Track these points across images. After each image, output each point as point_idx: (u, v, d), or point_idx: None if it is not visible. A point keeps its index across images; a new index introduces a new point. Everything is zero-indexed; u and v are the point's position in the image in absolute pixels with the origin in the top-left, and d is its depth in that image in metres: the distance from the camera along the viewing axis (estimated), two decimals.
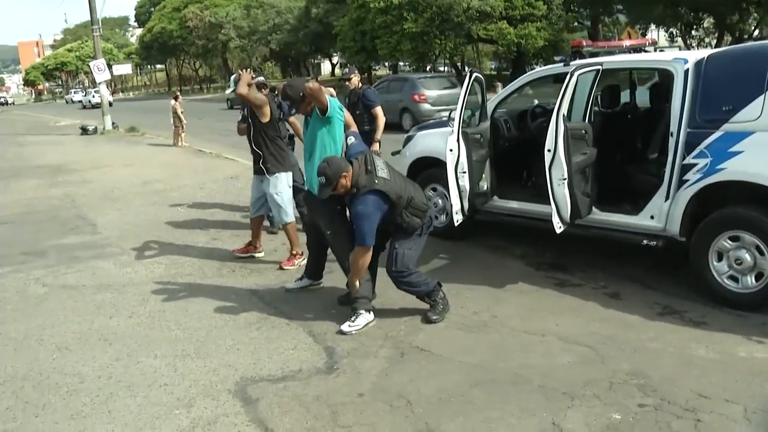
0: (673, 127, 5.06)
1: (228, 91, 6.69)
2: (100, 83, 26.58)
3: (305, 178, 5.19)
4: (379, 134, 7.42)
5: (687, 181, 4.98)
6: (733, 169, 4.72)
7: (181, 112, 18.83)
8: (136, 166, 15.19)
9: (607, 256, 5.96)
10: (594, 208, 5.61)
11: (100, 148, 20.05)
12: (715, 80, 4.91)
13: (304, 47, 48.46)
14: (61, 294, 5.97)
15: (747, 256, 4.73)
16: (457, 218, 5.82)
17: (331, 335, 4.67)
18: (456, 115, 5.64)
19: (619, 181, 5.86)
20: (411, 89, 19.54)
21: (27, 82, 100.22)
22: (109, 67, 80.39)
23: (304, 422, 3.54)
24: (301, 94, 4.76)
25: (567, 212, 5.23)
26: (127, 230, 8.44)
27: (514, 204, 6.34)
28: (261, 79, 6.83)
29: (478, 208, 6.07)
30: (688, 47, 27.13)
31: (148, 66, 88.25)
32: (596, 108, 6.19)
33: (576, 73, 4.99)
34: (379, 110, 7.38)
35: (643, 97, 6.75)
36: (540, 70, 6.34)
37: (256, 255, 6.76)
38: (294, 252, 6.39)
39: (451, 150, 5.67)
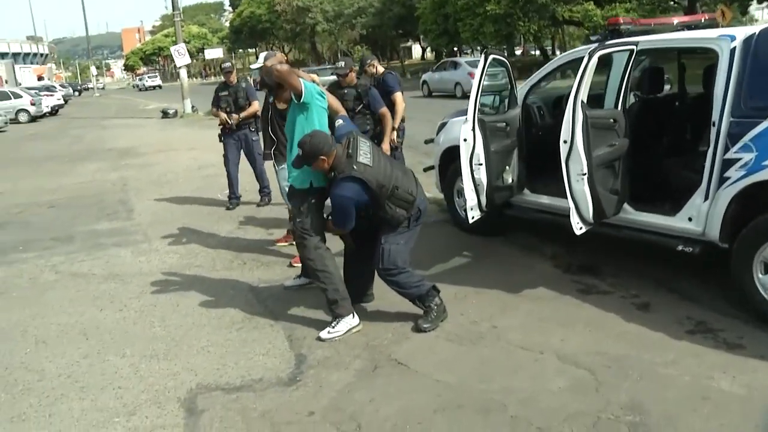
0: (715, 116, 4.39)
1: (254, 66, 6.47)
2: (180, 67, 27.30)
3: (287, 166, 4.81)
4: (397, 122, 6.86)
5: (728, 178, 4.30)
6: None
7: None
8: (199, 150, 15.36)
9: (648, 260, 5.31)
10: (627, 206, 5.01)
11: (174, 132, 20.56)
12: (766, 60, 4.21)
13: (390, 31, 48.20)
14: (69, 282, 5.95)
15: None
16: (473, 215, 5.34)
17: (309, 340, 4.35)
18: (470, 101, 5.15)
19: (659, 176, 5.21)
20: None
21: (127, 67, 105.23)
22: (201, 51, 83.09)
23: None
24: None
25: (589, 211, 4.66)
26: (159, 216, 8.44)
27: (545, 199, 5.79)
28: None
29: (497, 203, 5.55)
30: None
31: (241, 50, 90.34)
32: (636, 94, 5.52)
33: (595, 55, 4.39)
34: (398, 96, 6.86)
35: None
36: (572, 52, 5.72)
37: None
38: None
39: (465, 140, 5.19)
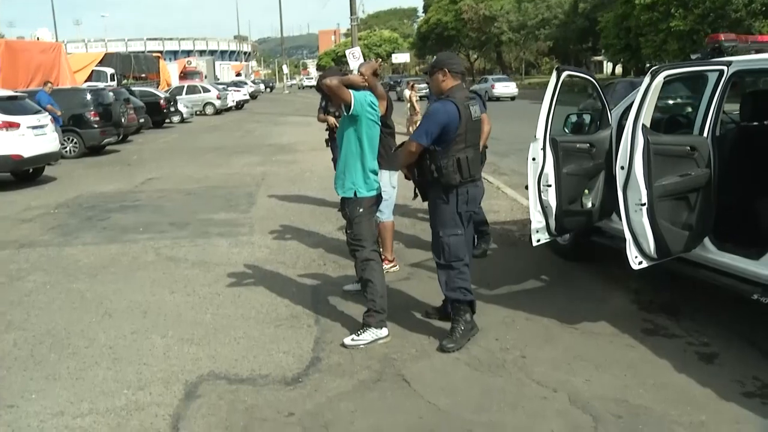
0: None
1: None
2: (352, 70, 28.48)
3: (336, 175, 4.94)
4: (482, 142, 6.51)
5: None
6: None
7: (416, 101, 19.37)
8: None
9: (743, 307, 4.75)
10: (709, 244, 4.60)
11: None
12: None
13: (572, 44, 47.03)
14: (161, 265, 6.57)
15: None
16: (538, 237, 5.15)
17: (334, 345, 4.48)
18: (540, 120, 4.97)
19: (751, 214, 4.71)
20: None
21: (319, 67, 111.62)
22: (389, 56, 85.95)
23: (209, 429, 3.46)
24: None
25: (650, 245, 4.34)
26: (274, 212, 9.00)
27: None
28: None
29: (569, 228, 5.30)
30: None
31: (428, 56, 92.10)
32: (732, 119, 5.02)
33: (658, 75, 4.07)
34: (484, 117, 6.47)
35: None
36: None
37: (388, 268, 6.02)
38: (383, 257, 6.19)
39: (533, 159, 5.04)
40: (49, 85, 16.27)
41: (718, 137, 4.73)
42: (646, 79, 4.11)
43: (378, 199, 4.80)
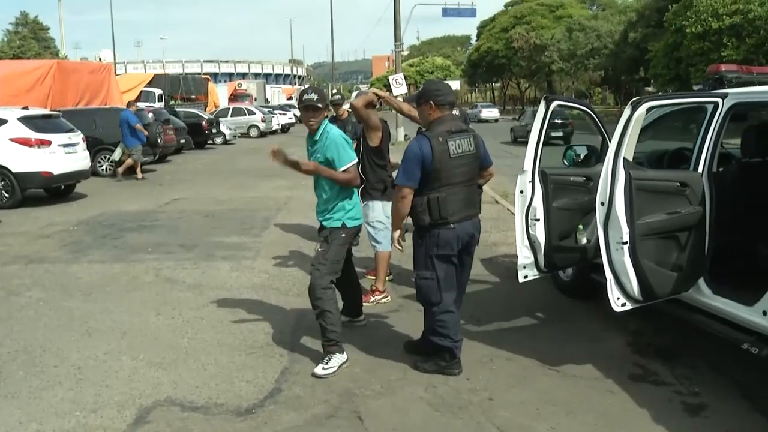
0: None
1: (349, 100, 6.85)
2: (396, 96, 28.61)
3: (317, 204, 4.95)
4: None
5: None
6: None
7: None
8: None
9: (745, 357, 4.49)
10: (705, 288, 4.38)
11: None
12: None
13: (623, 74, 46.61)
14: (157, 286, 6.62)
15: None
16: (524, 274, 5.00)
17: (301, 377, 4.42)
18: (528, 151, 4.86)
19: (750, 257, 4.48)
20: None
21: None
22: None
23: None
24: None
25: (633, 286, 4.15)
26: (284, 237, 9.01)
27: None
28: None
29: (560, 265, 5.15)
30: None
31: (484, 84, 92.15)
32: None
33: (640, 107, 3.92)
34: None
35: None
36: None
37: (379, 299, 6.04)
38: (373, 288, 6.12)
39: (521, 192, 4.92)
40: (134, 104, 16.74)
41: (717, 174, 4.54)
42: (627, 111, 3.96)
43: (358, 230, 4.82)
